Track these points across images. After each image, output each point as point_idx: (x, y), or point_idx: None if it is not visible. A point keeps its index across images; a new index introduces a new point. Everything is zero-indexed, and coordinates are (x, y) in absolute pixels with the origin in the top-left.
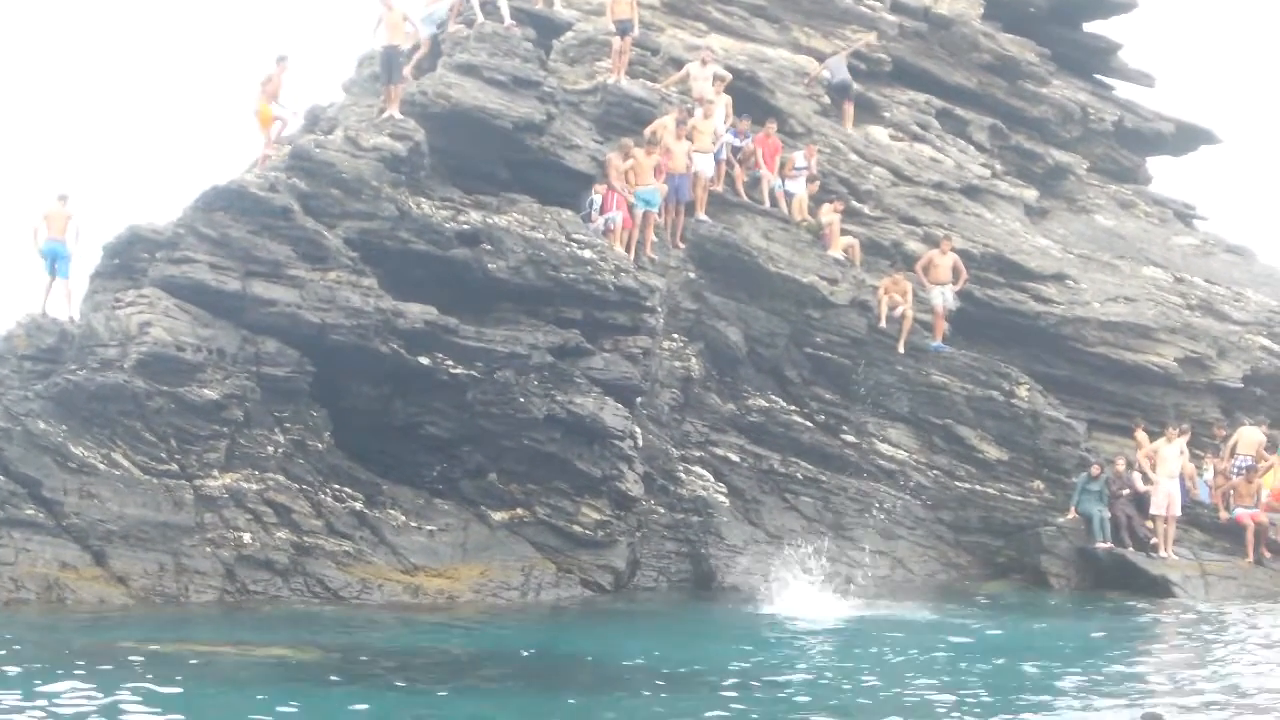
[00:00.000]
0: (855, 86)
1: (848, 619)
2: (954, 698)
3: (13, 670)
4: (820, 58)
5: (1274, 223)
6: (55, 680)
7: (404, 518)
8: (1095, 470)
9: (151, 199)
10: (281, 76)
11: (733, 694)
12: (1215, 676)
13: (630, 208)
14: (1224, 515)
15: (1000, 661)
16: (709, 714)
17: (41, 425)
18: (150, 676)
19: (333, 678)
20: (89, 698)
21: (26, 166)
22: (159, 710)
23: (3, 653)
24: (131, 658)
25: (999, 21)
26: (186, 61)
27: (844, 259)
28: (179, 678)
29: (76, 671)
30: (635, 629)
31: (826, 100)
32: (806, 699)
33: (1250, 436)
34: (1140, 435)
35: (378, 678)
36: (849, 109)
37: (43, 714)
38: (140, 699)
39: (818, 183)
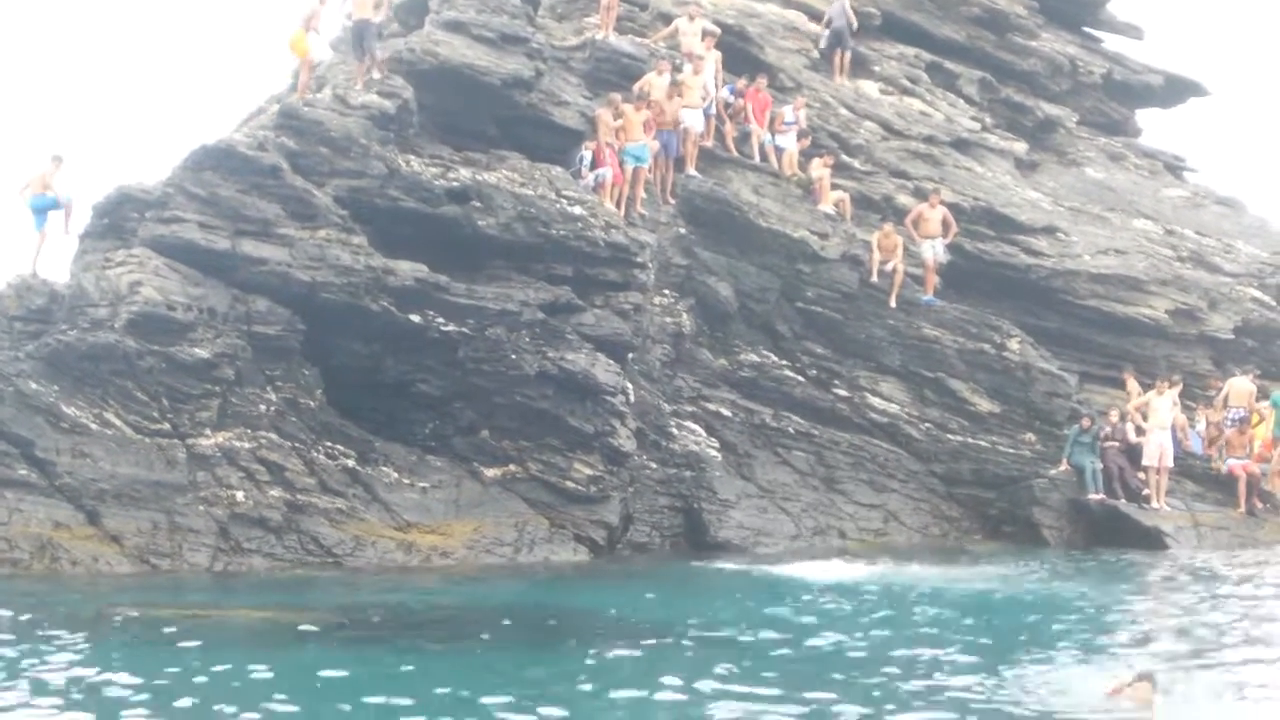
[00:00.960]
0: (850, 39)
1: (845, 576)
2: (945, 654)
3: (7, 635)
4: (810, 13)
5: (1264, 174)
6: (50, 645)
7: (397, 475)
8: (1087, 422)
9: (140, 159)
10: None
11: (723, 650)
12: (1203, 627)
13: (620, 163)
14: (1217, 466)
15: (997, 620)
16: (706, 668)
17: (33, 385)
18: (145, 640)
19: (327, 638)
20: (83, 663)
21: (20, 129)
22: (153, 675)
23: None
24: (126, 621)
25: None
26: (175, 22)
27: (834, 213)
28: (174, 641)
29: (71, 636)
30: (628, 585)
31: (816, 55)
32: (803, 658)
33: (1241, 387)
34: (1131, 384)
35: (373, 638)
36: (844, 59)
37: (38, 679)
38: (134, 663)
39: (809, 138)
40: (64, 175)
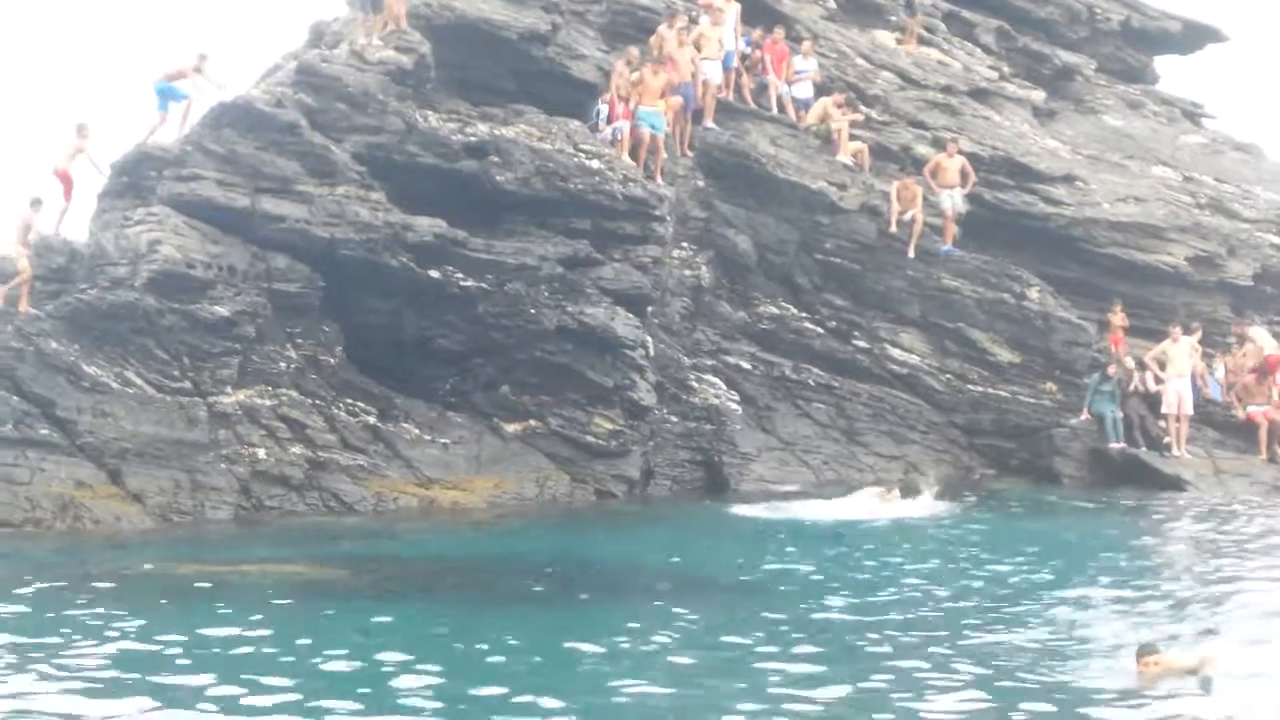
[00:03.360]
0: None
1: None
2: (958, 598)
3: (31, 592)
4: None
5: None
6: (76, 604)
7: (417, 431)
8: (1113, 369)
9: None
10: None
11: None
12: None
13: (634, 125)
14: (1241, 412)
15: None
16: (729, 616)
17: (53, 345)
18: (171, 598)
19: (352, 591)
20: (110, 621)
21: (43, 90)
22: (182, 632)
23: (26, 576)
24: (151, 579)
25: None
26: None
27: (852, 164)
28: (200, 598)
29: (97, 594)
30: (652, 533)
31: (833, 5)
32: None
33: (1260, 333)
34: (1115, 318)
35: (396, 590)
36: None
37: (65, 639)
38: (163, 621)
39: (845, 97)
40: (84, 150)
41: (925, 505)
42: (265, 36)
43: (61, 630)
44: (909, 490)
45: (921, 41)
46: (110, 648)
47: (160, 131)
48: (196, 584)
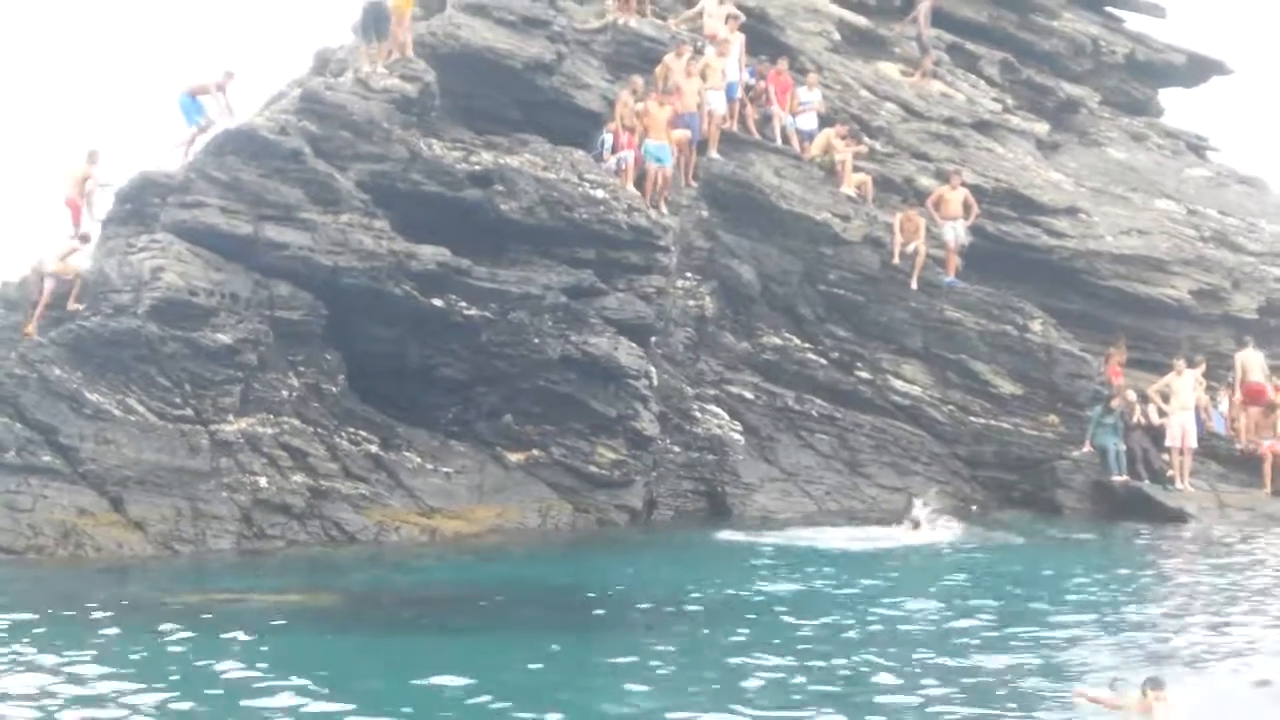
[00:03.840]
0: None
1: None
2: (958, 626)
3: (32, 619)
4: None
5: None
6: (78, 633)
7: (420, 460)
8: (1117, 401)
9: (163, 142)
10: None
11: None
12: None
13: (640, 155)
14: (1248, 447)
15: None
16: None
17: (56, 371)
18: (174, 627)
19: (353, 621)
20: (113, 651)
21: (50, 118)
22: (184, 663)
23: (26, 604)
24: (153, 609)
25: None
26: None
27: (856, 196)
28: (202, 628)
29: (99, 624)
30: (656, 559)
31: (837, 36)
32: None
33: (1254, 360)
34: (1116, 354)
35: (397, 620)
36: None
37: (66, 669)
38: (165, 651)
39: (848, 128)
40: (91, 175)
41: (939, 534)
42: (270, 63)
43: (63, 656)
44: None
45: (929, 76)
46: (109, 674)
47: (196, 142)
48: (199, 613)
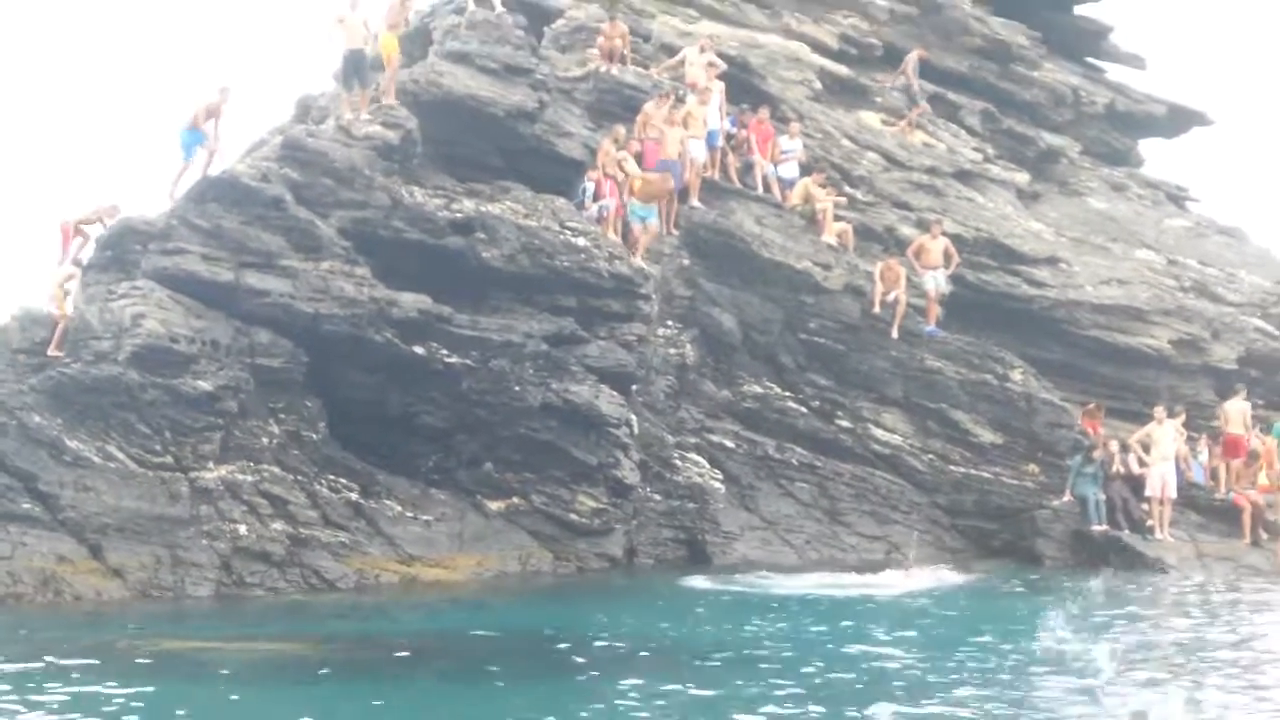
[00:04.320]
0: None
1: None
2: (926, 674)
3: (11, 669)
4: (813, 44)
5: (1266, 204)
6: (56, 680)
7: (400, 508)
8: (1098, 452)
9: (146, 190)
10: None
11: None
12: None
13: (626, 219)
14: (1221, 495)
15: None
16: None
17: (36, 418)
18: (153, 675)
19: (331, 670)
20: (91, 698)
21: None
22: (163, 710)
23: (2, 653)
24: (132, 656)
25: (990, 5)
26: (178, 55)
27: (837, 245)
28: (180, 676)
29: (77, 672)
30: (636, 605)
31: (819, 85)
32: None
33: (1236, 409)
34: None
35: (375, 667)
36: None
37: (43, 715)
38: (144, 699)
39: (824, 175)
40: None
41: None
42: (252, 111)
43: (30, 702)
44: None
45: (915, 127)
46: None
47: (185, 177)
48: (175, 661)
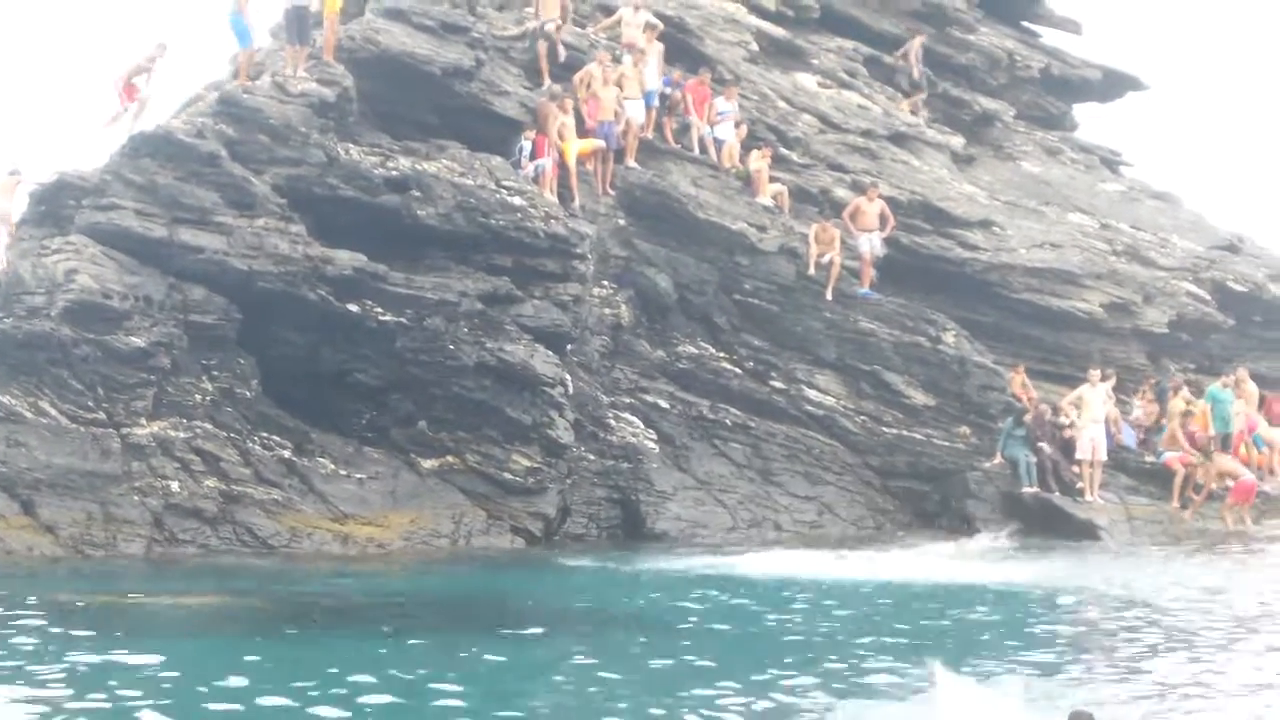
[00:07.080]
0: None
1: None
2: (876, 651)
3: None
4: (748, 4)
5: (1200, 168)
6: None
7: (333, 466)
8: (1030, 415)
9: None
10: None
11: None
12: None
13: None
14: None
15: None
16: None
17: None
18: (89, 628)
19: (268, 625)
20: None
21: None
22: (100, 661)
23: None
24: (66, 610)
25: None
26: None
27: (772, 206)
28: (117, 629)
29: (9, 627)
30: (564, 575)
31: (755, 47)
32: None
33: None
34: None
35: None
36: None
37: None
38: (81, 651)
39: (744, 127)
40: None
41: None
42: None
43: None
44: None
45: (842, 85)
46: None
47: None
48: (106, 614)
